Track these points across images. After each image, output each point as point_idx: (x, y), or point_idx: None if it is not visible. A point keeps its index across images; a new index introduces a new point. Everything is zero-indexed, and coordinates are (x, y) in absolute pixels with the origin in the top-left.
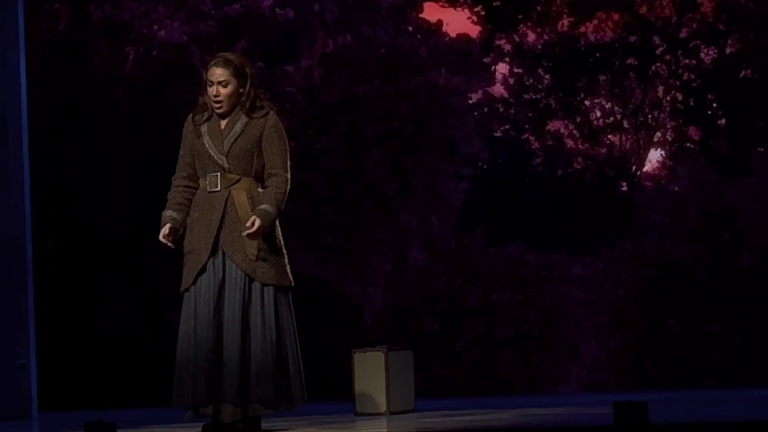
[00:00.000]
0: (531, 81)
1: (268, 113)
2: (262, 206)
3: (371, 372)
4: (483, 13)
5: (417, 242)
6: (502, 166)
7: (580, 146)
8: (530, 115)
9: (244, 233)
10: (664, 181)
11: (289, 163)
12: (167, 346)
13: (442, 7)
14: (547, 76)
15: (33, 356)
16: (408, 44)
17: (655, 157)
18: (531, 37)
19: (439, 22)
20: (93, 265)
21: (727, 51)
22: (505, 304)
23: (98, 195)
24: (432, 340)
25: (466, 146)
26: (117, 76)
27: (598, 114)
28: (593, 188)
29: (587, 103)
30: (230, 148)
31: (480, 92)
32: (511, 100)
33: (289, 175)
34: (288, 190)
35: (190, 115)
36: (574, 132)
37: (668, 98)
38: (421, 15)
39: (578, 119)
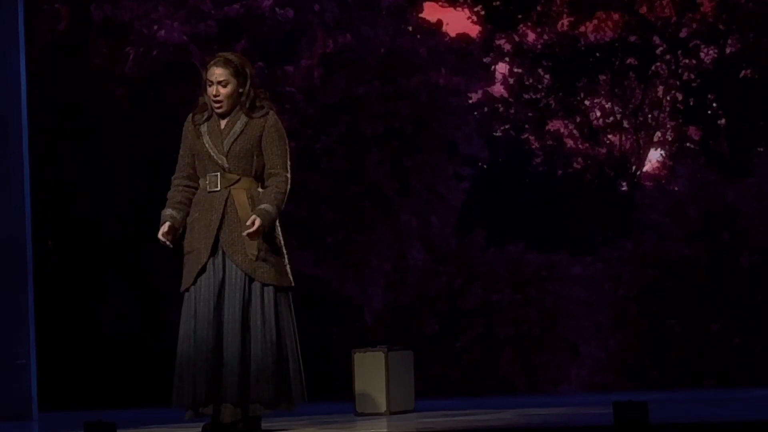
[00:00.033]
0: (531, 81)
1: (267, 113)
2: (263, 206)
3: (371, 372)
4: (483, 13)
5: (417, 242)
6: (502, 166)
7: (580, 146)
8: (530, 115)
9: (245, 233)
10: (664, 181)
11: (289, 163)
12: (167, 346)
13: (442, 7)
14: (547, 76)
15: (33, 356)
16: (408, 44)
17: (655, 157)
18: (531, 37)
19: (439, 22)
20: (93, 265)
21: (727, 51)
22: (505, 304)
23: (98, 195)
24: (432, 340)
25: (466, 146)
26: (117, 76)
27: (598, 114)
28: (593, 188)
29: (587, 103)
30: (230, 148)
31: (480, 92)
32: (511, 100)
33: (289, 175)
34: (288, 190)
35: (190, 115)
36: (574, 132)
37: (668, 98)
38: (421, 15)
39: (578, 119)
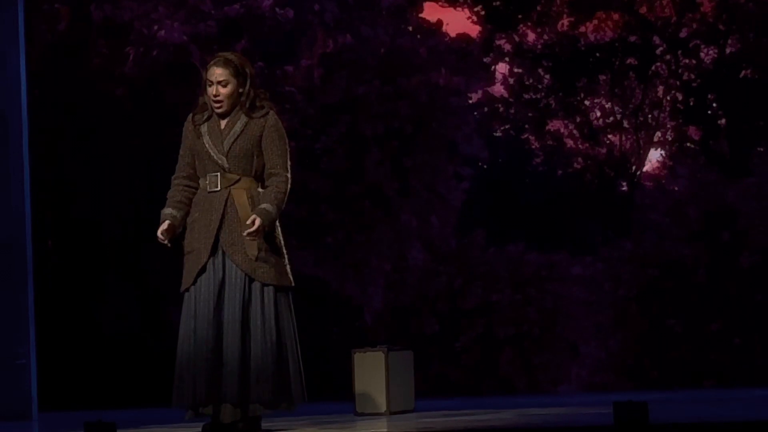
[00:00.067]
0: (531, 81)
1: (268, 113)
2: (263, 206)
3: (371, 372)
4: (483, 13)
5: (417, 242)
6: (502, 166)
7: (580, 146)
8: (530, 115)
9: (245, 232)
10: (664, 181)
11: (289, 163)
12: (167, 346)
13: (442, 7)
14: (547, 76)
15: (33, 356)
16: (408, 44)
17: (655, 157)
18: (531, 37)
19: (439, 22)
20: (93, 265)
21: (727, 51)
22: (505, 304)
23: (98, 195)
24: (432, 340)
25: (466, 146)
26: (117, 76)
27: (598, 114)
28: (593, 188)
29: (587, 103)
30: (230, 148)
31: (480, 92)
32: (511, 100)
33: (289, 175)
34: (288, 190)
35: (190, 115)
36: (574, 132)
37: (668, 98)
38: (421, 15)
39: (578, 119)
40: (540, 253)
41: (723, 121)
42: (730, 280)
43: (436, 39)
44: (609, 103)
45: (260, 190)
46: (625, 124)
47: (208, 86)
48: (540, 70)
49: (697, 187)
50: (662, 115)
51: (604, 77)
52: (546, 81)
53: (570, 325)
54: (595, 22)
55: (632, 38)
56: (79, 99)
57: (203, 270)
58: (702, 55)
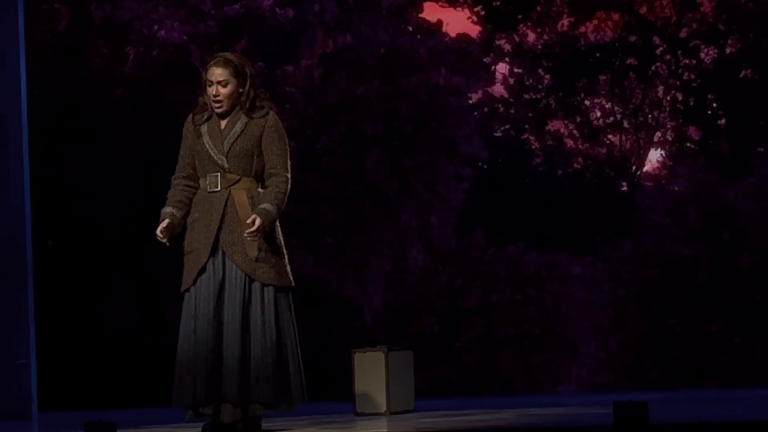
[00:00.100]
0: (531, 81)
1: (268, 113)
2: (263, 206)
3: (371, 372)
4: (483, 13)
5: (417, 242)
6: (502, 166)
7: (580, 146)
8: (530, 115)
9: (246, 233)
10: (664, 181)
11: (289, 163)
12: (167, 346)
13: (442, 7)
14: (547, 76)
15: (33, 356)
16: (408, 44)
17: (655, 157)
18: (531, 37)
19: (439, 22)
20: (93, 265)
21: (727, 51)
22: (505, 304)
23: (98, 195)
24: (432, 340)
25: (466, 146)
26: (117, 76)
27: (598, 114)
28: (593, 188)
29: (587, 103)
30: (230, 148)
31: (480, 92)
32: (511, 100)
33: (289, 175)
34: (288, 190)
35: (190, 115)
36: (574, 132)
37: (668, 98)
38: (421, 15)
39: (578, 119)
40: (540, 253)
41: (723, 121)
42: (730, 280)
43: (436, 39)
44: (609, 103)
45: (260, 190)
46: (625, 124)
47: (207, 86)
48: (540, 70)
49: (697, 187)
50: (662, 115)
51: (604, 77)
52: (546, 81)
53: (570, 325)
54: (595, 22)
55: (632, 38)
56: (79, 99)
57: (203, 270)
58: (702, 55)
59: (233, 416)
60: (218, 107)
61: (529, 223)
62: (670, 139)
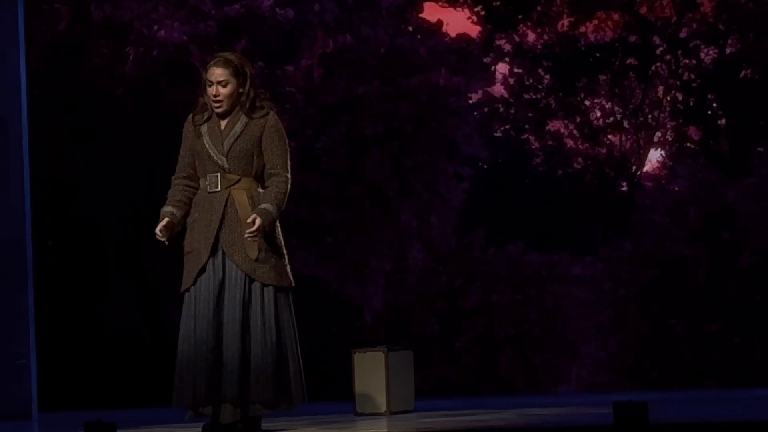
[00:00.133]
0: (531, 81)
1: (268, 113)
2: (263, 206)
3: (371, 372)
4: (483, 13)
5: (417, 242)
6: (502, 166)
7: (580, 146)
8: (530, 115)
9: (246, 233)
10: (664, 181)
11: (289, 163)
12: (167, 346)
13: (442, 7)
14: (547, 76)
15: (33, 356)
16: (408, 44)
17: (655, 157)
18: (531, 37)
19: (439, 22)
20: (93, 265)
21: (727, 51)
22: (505, 304)
23: (98, 195)
24: (432, 340)
25: (466, 146)
26: (117, 76)
27: (598, 114)
28: (593, 188)
29: (587, 103)
30: (230, 149)
31: (480, 92)
32: (511, 100)
33: (289, 175)
34: (288, 191)
35: (190, 115)
36: (574, 132)
37: (668, 98)
38: (421, 15)
39: (578, 119)
40: (540, 253)
41: (723, 121)
42: (730, 280)
43: (436, 39)
44: (609, 103)
45: (260, 190)
46: (625, 124)
47: (207, 86)
48: (540, 70)
49: (697, 187)
50: (662, 115)
51: (604, 77)
52: (546, 81)
53: (570, 325)
54: (595, 22)
55: (632, 38)
56: (79, 99)
57: (203, 270)
58: (702, 55)
59: (233, 416)
60: (218, 107)
61: (529, 223)
62: (670, 139)
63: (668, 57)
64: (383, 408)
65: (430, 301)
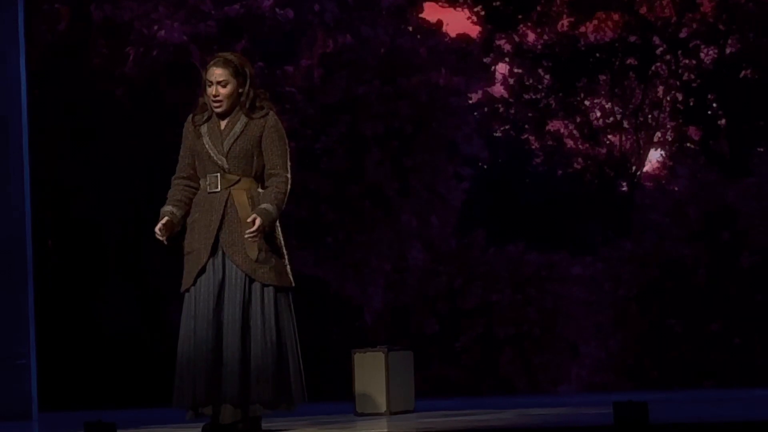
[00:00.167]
0: (531, 81)
1: (267, 113)
2: (263, 206)
3: (371, 372)
4: (483, 13)
5: (417, 242)
6: (502, 166)
7: (580, 146)
8: (530, 115)
9: (246, 233)
10: (664, 181)
11: (289, 163)
12: (167, 346)
13: (442, 7)
14: (547, 76)
15: (33, 356)
16: (408, 44)
17: (655, 157)
18: (531, 37)
19: (439, 22)
20: (93, 265)
21: (727, 51)
22: (505, 304)
23: (98, 195)
24: (432, 340)
25: (466, 146)
26: (117, 76)
27: (598, 114)
28: (593, 188)
29: (587, 103)
30: (230, 149)
31: (480, 92)
32: (511, 100)
33: (289, 176)
34: (288, 191)
35: (190, 115)
36: (574, 132)
37: (668, 98)
38: (421, 15)
39: (578, 119)
40: (540, 253)
41: (723, 121)
42: (730, 280)
43: (436, 39)
44: (609, 103)
45: (260, 190)
46: (625, 124)
47: (207, 86)
48: (540, 70)
49: (697, 187)
50: (662, 115)
51: (604, 77)
52: (546, 81)
53: (570, 325)
54: (595, 22)
55: (632, 38)
56: (79, 99)
57: (203, 270)
58: (702, 55)
59: (233, 416)
60: (218, 107)
61: (529, 223)
62: (670, 139)
63: (668, 57)
64: (383, 408)
65: (430, 301)
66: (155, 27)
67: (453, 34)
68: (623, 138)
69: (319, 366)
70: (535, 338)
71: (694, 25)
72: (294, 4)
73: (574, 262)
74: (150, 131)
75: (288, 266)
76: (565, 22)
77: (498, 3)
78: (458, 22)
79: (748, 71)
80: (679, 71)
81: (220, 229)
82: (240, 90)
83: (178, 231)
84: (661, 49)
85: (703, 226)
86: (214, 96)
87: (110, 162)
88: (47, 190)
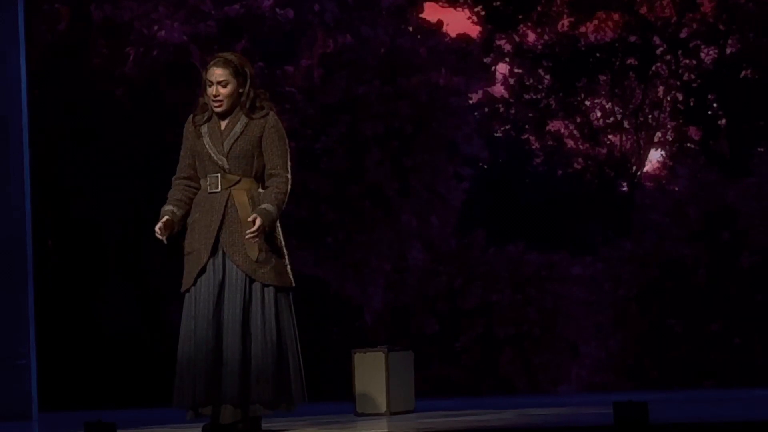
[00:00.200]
0: (531, 81)
1: (267, 114)
2: (263, 206)
3: (371, 372)
4: (483, 13)
5: (417, 242)
6: (502, 166)
7: (580, 146)
8: (530, 115)
9: (247, 233)
10: (664, 181)
11: (289, 163)
12: (167, 346)
13: (442, 7)
14: (547, 76)
15: (33, 356)
16: (408, 44)
17: (655, 157)
18: (531, 37)
19: (439, 22)
20: (93, 265)
21: (727, 51)
22: (505, 304)
23: (98, 195)
24: (432, 340)
25: (466, 146)
26: (117, 76)
27: (598, 114)
28: (593, 188)
29: (587, 103)
30: (230, 149)
31: (480, 92)
32: (511, 100)
33: (289, 176)
34: (289, 191)
35: (191, 115)
36: (575, 132)
37: (668, 98)
38: (421, 15)
39: (578, 119)
40: (540, 253)
41: (723, 121)
42: (730, 280)
43: (436, 39)
44: (609, 104)
45: (261, 190)
46: (626, 124)
47: (207, 86)
48: (540, 71)
49: (697, 187)
50: (662, 115)
51: (604, 77)
52: (546, 81)
53: (570, 325)
54: (595, 22)
55: (632, 38)
56: (79, 99)
57: (203, 271)
58: (702, 55)
59: (233, 417)
60: (218, 107)
61: (529, 223)
62: (670, 139)
63: (668, 57)
64: (383, 408)
65: (430, 301)
66: (155, 27)
67: (453, 34)
68: (623, 138)
69: (319, 366)
70: (535, 338)
71: (694, 25)
72: (294, 4)
73: (574, 262)
74: (150, 131)
75: (288, 266)
76: (565, 22)
77: (498, 3)
78: (458, 22)
79: (748, 71)
80: (680, 71)
81: (220, 229)
82: (240, 90)
83: (178, 231)
84: (661, 49)
85: (703, 226)
86: (215, 96)
87: (110, 162)
88: (47, 190)
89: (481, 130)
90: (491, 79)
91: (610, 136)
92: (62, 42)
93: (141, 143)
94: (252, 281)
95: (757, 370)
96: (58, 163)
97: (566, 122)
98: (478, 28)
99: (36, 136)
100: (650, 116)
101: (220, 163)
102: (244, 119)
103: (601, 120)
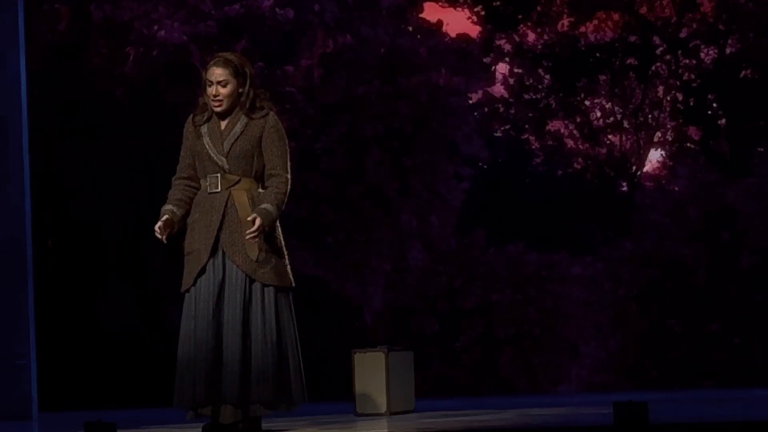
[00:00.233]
0: (531, 81)
1: (267, 114)
2: (263, 206)
3: (371, 372)
4: (483, 13)
5: (417, 242)
6: (502, 166)
7: (580, 146)
8: (530, 115)
9: (247, 233)
10: (664, 181)
11: (289, 163)
12: (167, 346)
13: (442, 7)
14: (547, 76)
15: (33, 356)
16: (408, 44)
17: (655, 157)
18: (531, 37)
19: (439, 22)
20: (93, 265)
21: (727, 51)
22: (505, 304)
23: (98, 195)
24: (432, 340)
25: (466, 146)
26: (117, 76)
27: (598, 114)
28: (593, 188)
29: (587, 103)
30: (230, 149)
31: (480, 92)
32: (511, 100)
33: (289, 176)
34: (289, 191)
35: (191, 115)
36: (574, 132)
37: (668, 98)
38: (421, 15)
39: (578, 119)
40: (540, 253)
41: (723, 121)
42: (730, 280)
43: (436, 39)
44: (609, 103)
45: (260, 190)
46: (625, 124)
47: (207, 86)
48: (540, 70)
49: (697, 187)
50: (662, 115)
51: (604, 77)
52: (546, 81)
53: (570, 325)
54: (595, 22)
55: (632, 38)
56: (79, 99)
57: (203, 271)
58: (702, 55)
59: (234, 417)
60: (218, 107)
61: (529, 223)
62: (670, 139)
63: (668, 57)
64: (383, 408)
65: (430, 301)
66: (155, 27)
67: (453, 34)
68: (623, 138)
69: (319, 366)
70: (535, 338)
71: (694, 25)
72: (294, 4)
73: (574, 262)
74: (150, 131)
75: (288, 266)
76: (565, 22)
77: (498, 3)
78: (458, 22)
79: (748, 71)
80: (679, 71)
81: (220, 229)
82: (240, 90)
83: (177, 230)
84: (661, 49)
85: (703, 226)
86: (214, 96)
87: (110, 162)
88: (47, 190)
89: (481, 130)
90: (491, 79)
91: (610, 136)
92: (62, 42)
93: (141, 143)
94: (252, 281)
95: (757, 370)
96: (58, 163)
97: (566, 122)
98: (478, 28)
99: (36, 136)
100: (650, 116)
101: (220, 163)
102: (244, 119)
103: (601, 120)
